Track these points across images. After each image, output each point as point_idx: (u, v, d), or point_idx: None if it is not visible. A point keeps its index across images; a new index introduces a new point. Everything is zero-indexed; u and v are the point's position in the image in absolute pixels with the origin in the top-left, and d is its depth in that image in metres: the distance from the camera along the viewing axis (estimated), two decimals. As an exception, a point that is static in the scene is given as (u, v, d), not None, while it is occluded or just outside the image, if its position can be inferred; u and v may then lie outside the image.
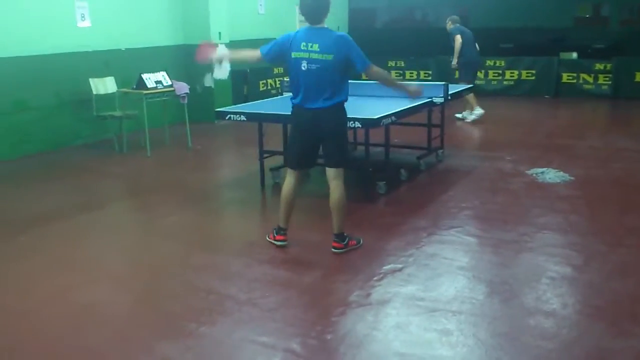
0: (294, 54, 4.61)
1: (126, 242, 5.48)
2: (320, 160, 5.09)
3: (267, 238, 5.09)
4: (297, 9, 13.23)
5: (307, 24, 4.67)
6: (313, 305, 4.05)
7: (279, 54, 4.74)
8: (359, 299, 4.07)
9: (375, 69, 4.72)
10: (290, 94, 4.96)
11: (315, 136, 4.77)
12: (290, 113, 4.91)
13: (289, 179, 4.93)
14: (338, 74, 4.60)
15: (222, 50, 4.91)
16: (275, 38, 4.86)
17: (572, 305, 3.99)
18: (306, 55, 4.57)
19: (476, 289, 4.22)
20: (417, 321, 3.79)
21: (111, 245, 5.35)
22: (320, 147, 4.91)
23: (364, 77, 5.14)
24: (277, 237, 5.00)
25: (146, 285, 4.49)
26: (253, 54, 4.90)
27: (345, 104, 4.78)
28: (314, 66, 4.55)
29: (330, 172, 4.83)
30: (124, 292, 4.38)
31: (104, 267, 4.85)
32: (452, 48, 10.32)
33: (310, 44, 4.55)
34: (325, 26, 4.66)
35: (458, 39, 10.28)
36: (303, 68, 4.58)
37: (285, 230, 5.00)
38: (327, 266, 4.68)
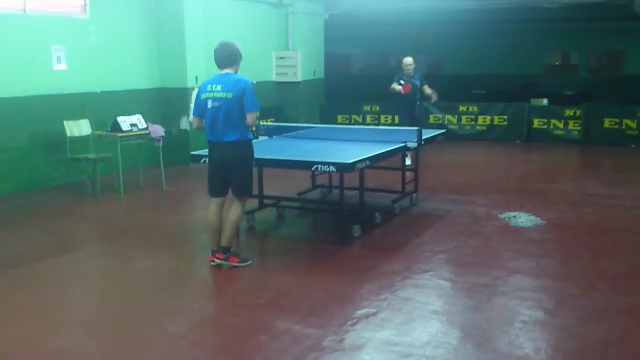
0: (202, 96, 5.40)
1: (98, 286, 5.41)
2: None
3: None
4: (274, 55, 13.48)
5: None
6: (286, 350, 4.01)
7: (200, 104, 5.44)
8: (332, 344, 4.05)
9: (255, 118, 5.43)
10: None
11: (223, 168, 5.42)
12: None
13: (212, 207, 5.54)
14: (236, 111, 5.27)
15: None
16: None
17: (544, 349, 4.00)
18: (211, 95, 5.33)
19: (450, 333, 4.23)
20: (391, 366, 3.77)
21: (82, 290, 5.28)
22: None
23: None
24: (210, 258, 5.48)
25: (117, 331, 4.42)
26: (196, 124, 5.51)
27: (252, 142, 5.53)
28: (216, 104, 5.29)
29: (236, 195, 5.52)
30: (95, 337, 4.31)
31: (75, 311, 4.77)
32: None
33: (214, 86, 5.34)
34: (231, 72, 5.41)
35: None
36: (209, 106, 5.32)
37: (216, 251, 5.46)
38: (301, 311, 4.65)
